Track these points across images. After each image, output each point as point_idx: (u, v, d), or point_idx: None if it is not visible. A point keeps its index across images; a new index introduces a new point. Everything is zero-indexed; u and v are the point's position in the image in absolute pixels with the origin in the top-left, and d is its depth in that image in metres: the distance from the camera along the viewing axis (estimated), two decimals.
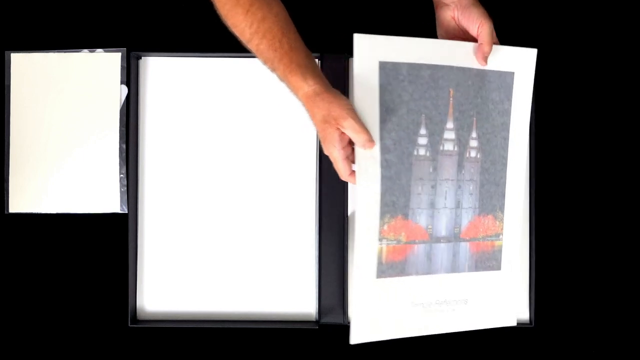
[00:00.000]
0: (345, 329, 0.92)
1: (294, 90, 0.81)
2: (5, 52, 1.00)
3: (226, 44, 0.89)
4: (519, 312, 0.98)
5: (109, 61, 1.00)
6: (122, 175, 0.99)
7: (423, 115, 0.85)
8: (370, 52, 0.83)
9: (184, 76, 1.00)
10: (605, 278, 0.99)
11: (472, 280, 0.89)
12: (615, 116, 1.00)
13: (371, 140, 0.80)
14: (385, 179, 0.84)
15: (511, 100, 0.89)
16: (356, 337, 0.85)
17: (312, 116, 0.81)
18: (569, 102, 1.00)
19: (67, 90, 1.00)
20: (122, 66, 0.99)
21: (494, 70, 0.88)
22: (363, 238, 0.84)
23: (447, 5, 0.86)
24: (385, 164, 0.83)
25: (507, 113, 0.89)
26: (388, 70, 0.84)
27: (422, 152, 0.85)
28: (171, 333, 0.99)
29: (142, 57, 1.01)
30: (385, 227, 0.84)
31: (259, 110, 1.00)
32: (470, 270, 0.89)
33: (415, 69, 0.84)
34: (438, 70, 0.85)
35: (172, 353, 1.00)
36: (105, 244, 1.00)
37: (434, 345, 0.98)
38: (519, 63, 0.89)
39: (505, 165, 0.89)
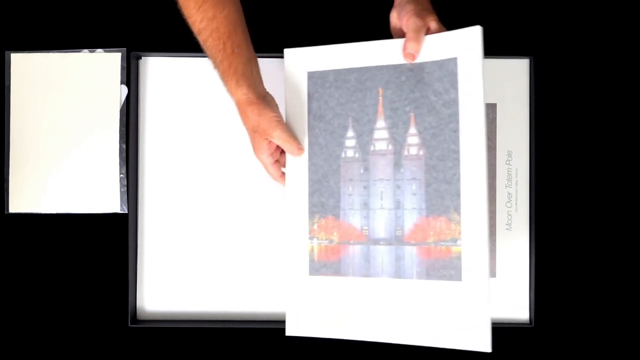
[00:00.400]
0: None
1: (229, 92, 0.86)
2: (5, 52, 1.00)
3: None
4: (521, 311, 0.98)
5: (109, 61, 1.00)
6: (122, 175, 0.99)
7: (350, 118, 0.88)
8: (299, 64, 0.90)
9: (184, 76, 1.00)
10: (605, 278, 0.99)
11: (423, 289, 0.82)
12: (615, 117, 1.00)
13: (300, 147, 0.88)
14: (313, 181, 0.89)
15: (457, 89, 0.82)
16: (291, 329, 0.89)
17: (243, 123, 0.87)
18: (569, 104, 1.00)
19: (67, 90, 1.00)
20: (122, 66, 0.99)
21: (432, 61, 0.83)
22: (293, 236, 0.89)
23: (394, 6, 0.86)
24: (313, 168, 0.89)
25: (454, 103, 0.82)
26: (316, 79, 0.89)
27: (350, 153, 0.88)
28: (171, 333, 0.99)
29: (142, 57, 1.01)
30: (315, 226, 0.88)
31: None
32: (420, 277, 0.83)
33: (341, 75, 0.88)
34: (364, 72, 0.87)
35: (172, 353, 1.00)
36: (105, 244, 1.00)
37: None
38: (462, 46, 0.81)
39: (457, 160, 0.82)
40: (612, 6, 1.00)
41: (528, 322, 0.98)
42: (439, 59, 0.82)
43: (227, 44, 0.83)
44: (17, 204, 1.00)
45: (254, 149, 0.88)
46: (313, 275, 0.88)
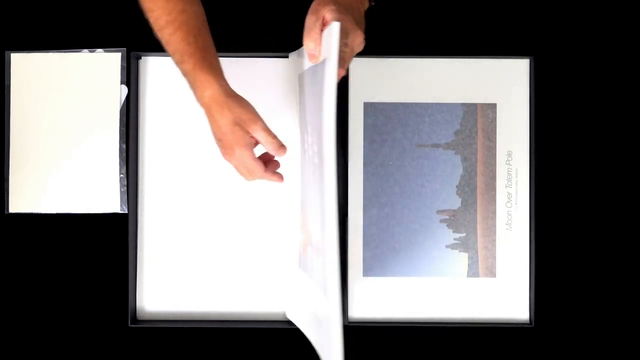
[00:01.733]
0: (345, 329, 0.92)
1: (200, 87, 0.79)
2: (5, 52, 1.00)
3: (225, 44, 0.89)
4: (521, 311, 0.98)
5: (109, 61, 1.00)
6: (122, 175, 0.99)
7: (305, 122, 0.87)
8: (293, 67, 0.91)
9: None
10: (606, 278, 0.99)
11: (325, 306, 0.76)
12: (615, 117, 1.00)
13: (282, 146, 0.78)
14: (302, 180, 0.90)
15: (323, 95, 0.69)
16: (290, 315, 0.94)
17: (220, 117, 0.78)
18: (569, 104, 1.00)
19: (67, 90, 1.00)
20: (122, 66, 0.99)
21: (320, 63, 0.73)
22: (288, 230, 0.93)
23: None
24: (301, 168, 0.90)
25: (322, 111, 0.70)
26: (300, 82, 0.89)
27: (305, 158, 0.87)
28: (171, 333, 0.99)
29: (142, 57, 1.01)
30: (303, 222, 0.90)
31: (258, 111, 1.00)
32: (323, 293, 0.76)
33: (302, 78, 0.87)
34: (307, 75, 0.82)
35: (172, 353, 1.00)
36: (105, 244, 1.00)
37: (434, 343, 0.98)
38: (327, 45, 0.69)
39: (322, 183, 0.70)
40: (612, 6, 1.00)
41: (528, 322, 0.98)
42: (321, 60, 0.72)
43: (198, 38, 0.79)
44: (17, 204, 1.00)
45: (232, 146, 0.79)
46: (300, 268, 0.91)
